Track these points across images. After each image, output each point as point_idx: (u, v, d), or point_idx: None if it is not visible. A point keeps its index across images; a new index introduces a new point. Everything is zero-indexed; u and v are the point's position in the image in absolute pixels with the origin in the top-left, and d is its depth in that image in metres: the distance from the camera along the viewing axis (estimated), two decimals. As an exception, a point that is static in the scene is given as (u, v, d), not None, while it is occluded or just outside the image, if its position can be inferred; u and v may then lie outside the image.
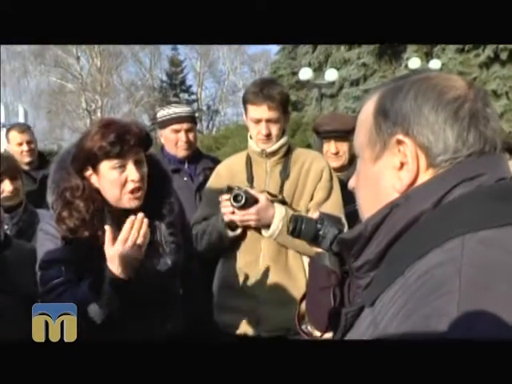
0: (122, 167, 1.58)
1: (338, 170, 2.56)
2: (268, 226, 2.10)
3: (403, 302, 0.62)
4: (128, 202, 1.61)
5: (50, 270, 1.58)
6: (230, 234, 2.14)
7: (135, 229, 1.48)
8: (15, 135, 3.54)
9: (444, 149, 0.71)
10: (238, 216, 2.08)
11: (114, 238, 1.47)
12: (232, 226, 2.15)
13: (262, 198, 2.08)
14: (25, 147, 3.49)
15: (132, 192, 1.60)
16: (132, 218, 1.49)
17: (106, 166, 1.57)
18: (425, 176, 0.73)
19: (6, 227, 2.24)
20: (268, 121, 2.15)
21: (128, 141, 1.56)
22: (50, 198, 1.65)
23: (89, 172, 1.61)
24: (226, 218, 2.10)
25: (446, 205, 0.69)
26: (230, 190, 2.07)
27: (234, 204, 2.04)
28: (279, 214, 2.08)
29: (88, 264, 1.58)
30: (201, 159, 2.91)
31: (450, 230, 0.66)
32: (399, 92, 0.75)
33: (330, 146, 2.67)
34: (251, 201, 2.05)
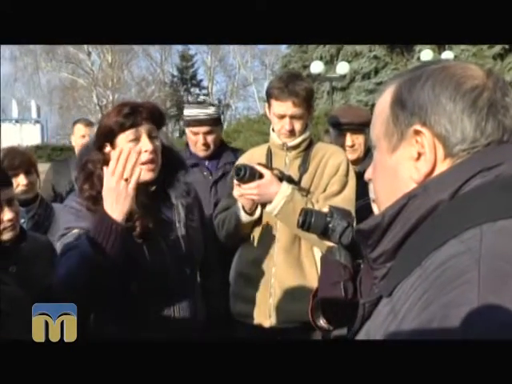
0: (137, 140, 1.67)
1: (353, 162, 2.55)
2: (271, 204, 2.10)
3: (422, 291, 0.62)
4: (142, 174, 1.66)
5: (67, 237, 1.63)
6: (245, 218, 2.15)
7: (121, 159, 1.50)
8: (80, 128, 3.79)
9: (462, 138, 0.71)
10: (240, 190, 2.08)
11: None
12: (249, 211, 2.16)
13: (267, 174, 2.07)
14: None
15: (146, 163, 1.68)
16: (119, 149, 1.55)
17: (122, 140, 1.67)
18: (442, 166, 0.72)
19: (22, 221, 2.27)
20: (292, 117, 2.15)
21: (141, 112, 1.66)
22: (73, 174, 1.76)
23: (108, 149, 1.70)
24: (234, 193, 2.12)
25: (463, 195, 0.69)
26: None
27: (236, 177, 2.06)
28: (283, 191, 2.07)
29: None
30: (223, 153, 2.88)
31: (467, 220, 0.66)
32: (417, 82, 0.75)
33: (346, 139, 2.66)
34: (255, 175, 2.05)
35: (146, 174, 1.68)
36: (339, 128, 2.69)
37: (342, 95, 17.64)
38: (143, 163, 1.66)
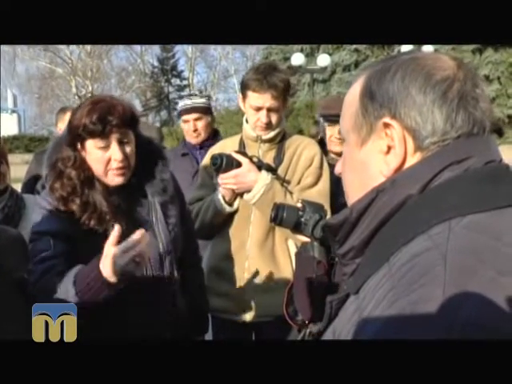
0: (106, 147, 1.60)
1: (341, 154, 2.53)
2: (250, 192, 2.07)
3: (388, 288, 0.60)
4: (112, 178, 1.64)
5: (39, 242, 1.59)
6: (223, 208, 2.12)
7: (140, 245, 1.42)
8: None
9: (432, 131, 0.69)
10: (218, 180, 2.07)
11: (119, 239, 1.42)
12: (229, 201, 2.13)
13: (245, 162, 2.04)
14: None
15: (116, 169, 1.62)
16: (142, 232, 1.44)
17: (91, 145, 1.61)
18: (412, 159, 0.70)
19: None
20: (269, 109, 2.11)
21: (110, 121, 1.57)
22: (44, 171, 1.69)
23: (79, 147, 1.64)
24: (214, 181, 2.10)
25: (432, 189, 0.67)
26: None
27: (212, 167, 2.04)
28: (263, 180, 2.04)
29: (79, 238, 1.59)
30: (214, 144, 2.94)
31: (436, 214, 0.64)
32: (386, 73, 0.72)
33: (334, 130, 2.63)
34: (232, 164, 2.02)
35: (116, 179, 1.63)
36: (328, 119, 2.66)
37: (323, 87, 17.68)
38: (113, 169, 1.62)
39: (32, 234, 1.63)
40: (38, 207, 1.67)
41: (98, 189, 1.63)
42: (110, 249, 1.41)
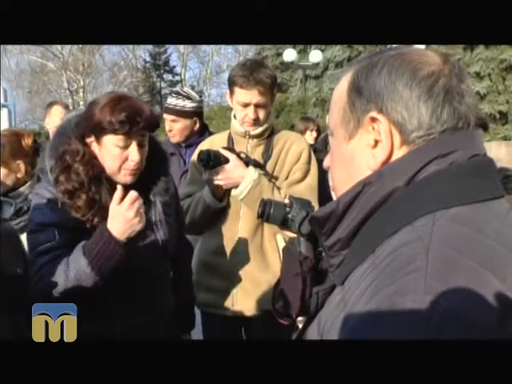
0: (126, 147, 1.59)
1: None
2: (237, 188, 2.08)
3: (371, 279, 0.62)
4: (123, 177, 1.63)
5: (43, 233, 1.57)
6: (214, 204, 2.13)
7: (139, 200, 1.53)
8: (59, 110, 3.72)
9: (418, 125, 0.70)
10: (206, 175, 2.08)
11: (122, 199, 1.51)
12: (218, 196, 2.13)
13: (233, 158, 2.05)
14: None
15: (130, 170, 1.62)
16: (134, 192, 1.53)
17: (110, 141, 1.58)
18: (399, 153, 0.72)
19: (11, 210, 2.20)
20: (257, 105, 2.11)
21: (138, 123, 1.56)
22: (48, 162, 1.65)
23: (90, 139, 1.61)
24: (203, 177, 2.11)
25: (418, 182, 0.69)
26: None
27: (199, 163, 2.04)
28: (250, 176, 2.05)
29: (82, 230, 1.59)
30: (200, 143, 2.92)
31: (421, 207, 0.66)
32: (373, 68, 0.74)
33: None
34: (220, 160, 2.03)
35: (127, 178, 1.63)
36: None
37: (316, 83, 17.64)
38: (127, 169, 1.61)
39: (34, 225, 1.61)
40: (39, 197, 1.63)
41: (106, 186, 1.62)
42: (116, 208, 1.50)
